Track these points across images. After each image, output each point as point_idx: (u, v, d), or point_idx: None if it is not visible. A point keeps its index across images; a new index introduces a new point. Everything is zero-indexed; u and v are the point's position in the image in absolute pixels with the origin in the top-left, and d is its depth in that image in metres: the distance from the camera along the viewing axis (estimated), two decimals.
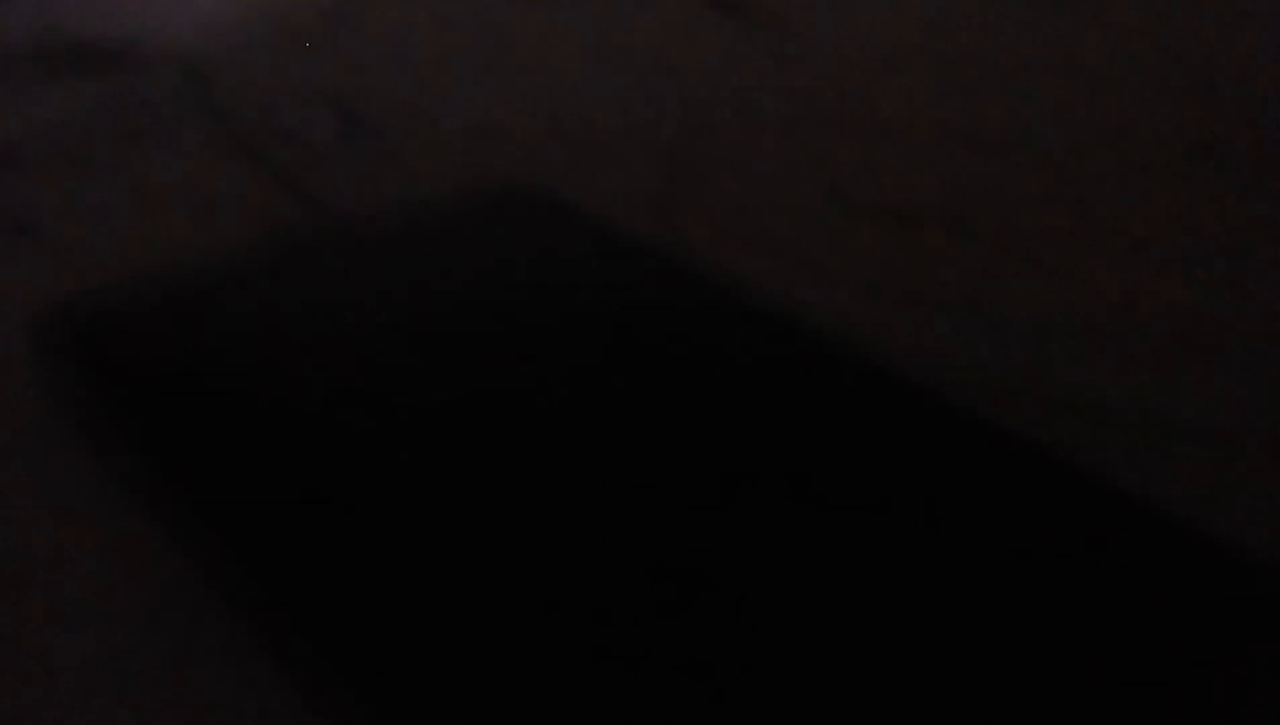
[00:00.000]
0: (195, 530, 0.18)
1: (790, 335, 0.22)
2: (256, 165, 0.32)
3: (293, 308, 0.23)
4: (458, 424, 0.20)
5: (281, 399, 0.20)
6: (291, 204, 0.30)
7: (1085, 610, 0.17)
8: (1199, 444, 0.22)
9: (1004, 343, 0.25)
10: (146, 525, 0.20)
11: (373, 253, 0.25)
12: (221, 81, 0.36)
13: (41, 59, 0.41)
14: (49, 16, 0.42)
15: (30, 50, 0.41)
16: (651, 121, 0.35)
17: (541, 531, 0.18)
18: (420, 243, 0.25)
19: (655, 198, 0.31)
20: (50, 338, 0.22)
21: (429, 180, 0.28)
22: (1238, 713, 0.15)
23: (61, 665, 0.17)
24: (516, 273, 0.24)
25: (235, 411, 0.20)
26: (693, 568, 0.17)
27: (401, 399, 0.20)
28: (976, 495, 0.19)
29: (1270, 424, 0.23)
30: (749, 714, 0.15)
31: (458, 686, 0.15)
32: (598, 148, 0.33)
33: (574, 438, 0.20)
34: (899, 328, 0.26)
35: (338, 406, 0.20)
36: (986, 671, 0.16)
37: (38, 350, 0.22)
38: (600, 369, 0.21)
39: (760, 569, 0.17)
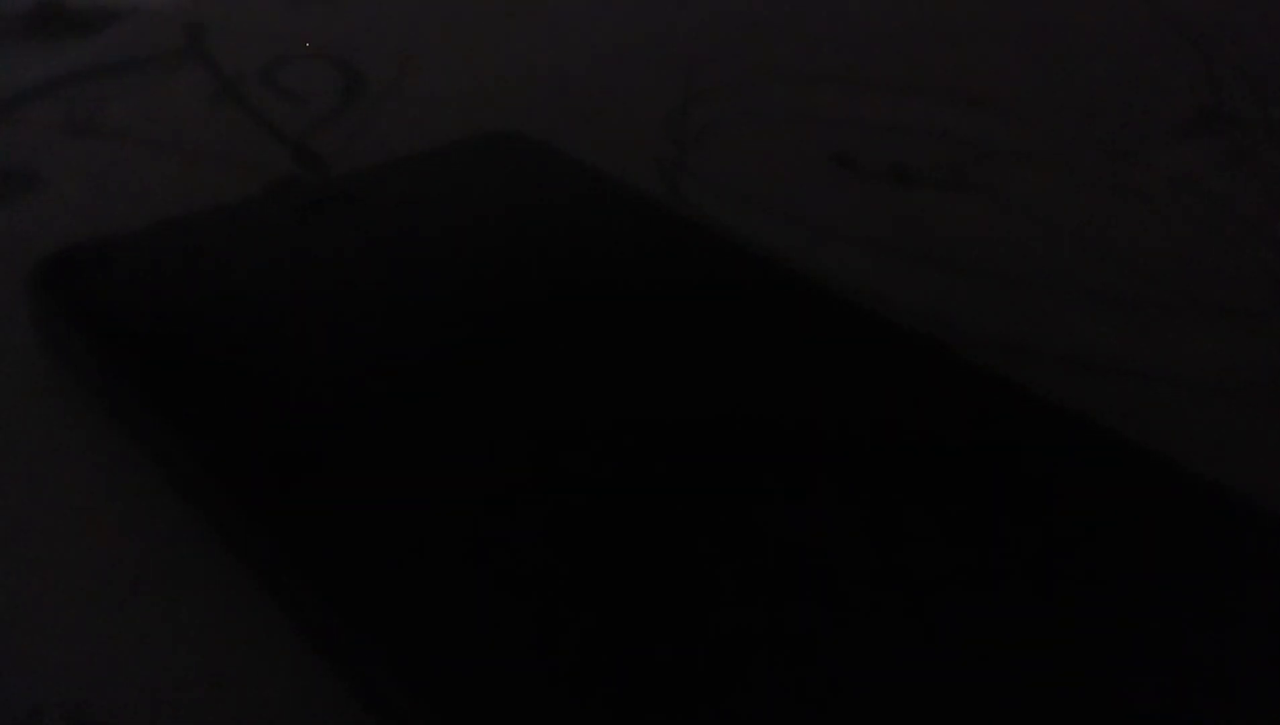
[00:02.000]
0: (196, 480, 0.18)
1: (790, 290, 0.22)
2: (256, 124, 0.31)
3: (291, 262, 0.23)
4: (455, 380, 0.20)
5: (281, 352, 0.20)
6: (291, 161, 0.30)
7: (1092, 556, 0.17)
8: (1206, 397, 0.22)
9: (1005, 299, 0.25)
10: (146, 477, 0.20)
11: (373, 207, 0.24)
12: (222, 42, 0.36)
13: (41, 22, 0.41)
14: None
15: (30, 14, 0.41)
16: (653, 81, 0.35)
17: (532, 478, 0.18)
18: (419, 197, 0.25)
19: (656, 156, 0.30)
20: (51, 288, 0.22)
21: (430, 138, 0.28)
22: (1238, 658, 0.15)
23: (58, 615, 0.17)
24: (518, 225, 0.24)
25: (234, 364, 0.20)
26: (685, 520, 0.17)
27: (398, 353, 0.20)
28: (982, 445, 0.19)
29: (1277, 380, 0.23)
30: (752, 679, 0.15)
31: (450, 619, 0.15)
32: (600, 107, 0.33)
33: (566, 386, 0.19)
34: (899, 284, 0.25)
35: (336, 359, 0.20)
36: (993, 629, 0.16)
37: (38, 301, 0.22)
38: (596, 317, 0.21)
39: (759, 526, 0.17)
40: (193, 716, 0.16)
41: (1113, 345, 0.24)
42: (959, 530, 0.17)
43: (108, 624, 0.17)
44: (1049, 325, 0.24)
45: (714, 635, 0.15)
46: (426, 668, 0.15)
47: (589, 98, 0.34)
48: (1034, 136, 0.32)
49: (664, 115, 0.33)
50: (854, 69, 0.36)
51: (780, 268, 0.23)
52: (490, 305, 0.21)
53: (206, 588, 0.18)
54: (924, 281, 0.26)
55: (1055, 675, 0.15)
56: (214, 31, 0.37)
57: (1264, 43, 0.39)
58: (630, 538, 0.17)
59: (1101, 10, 0.41)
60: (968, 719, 0.14)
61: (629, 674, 0.15)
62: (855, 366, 0.20)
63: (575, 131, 0.31)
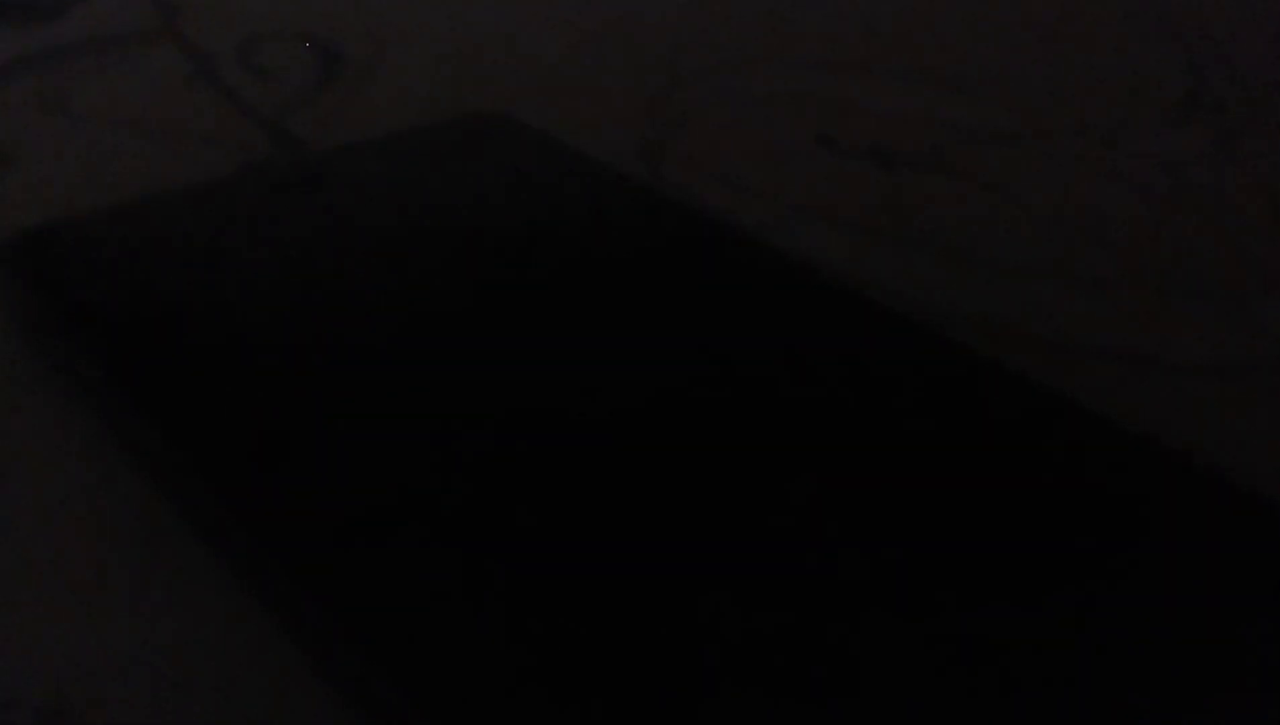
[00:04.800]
0: (166, 461, 0.18)
1: (772, 272, 0.22)
2: (233, 103, 0.31)
3: (266, 241, 0.22)
4: (434, 364, 0.19)
5: (255, 333, 0.20)
6: (268, 141, 0.29)
7: (1082, 539, 0.16)
8: (1190, 380, 0.22)
9: (988, 283, 0.25)
10: (117, 456, 0.19)
11: (349, 187, 0.24)
12: (196, 20, 0.36)
13: (7, 8, 0.40)
14: None
15: None
16: (636, 62, 0.34)
17: (514, 465, 0.17)
18: (396, 178, 0.25)
19: (637, 139, 0.30)
20: (20, 266, 0.21)
21: (408, 118, 0.28)
22: (1234, 643, 0.15)
23: (34, 601, 0.17)
24: (496, 207, 0.24)
25: (209, 346, 0.20)
26: (672, 511, 0.17)
27: (376, 335, 0.20)
28: (968, 430, 0.18)
29: (1265, 363, 0.23)
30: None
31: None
32: (581, 90, 0.33)
33: (548, 372, 0.19)
34: (882, 268, 0.25)
35: (312, 341, 0.20)
36: (983, 615, 0.16)
37: (7, 278, 0.21)
38: (577, 300, 0.21)
39: (743, 511, 0.17)
40: (168, 711, 0.16)
41: (1096, 329, 0.24)
42: (943, 515, 0.17)
43: (77, 613, 0.17)
44: (1032, 308, 0.24)
45: (709, 633, 0.15)
46: (407, 662, 0.15)
47: (572, 79, 0.33)
48: (1017, 120, 0.32)
49: (647, 97, 0.32)
50: (838, 51, 0.36)
51: (762, 250, 0.23)
52: (470, 288, 0.21)
53: (181, 576, 0.17)
54: (906, 264, 0.26)
55: (1050, 660, 0.15)
56: (187, 10, 0.36)
57: (1246, 29, 0.39)
58: (620, 530, 0.16)
59: None
60: (962, 706, 0.14)
61: (623, 673, 0.14)
62: (837, 348, 0.20)
63: (557, 113, 0.31)
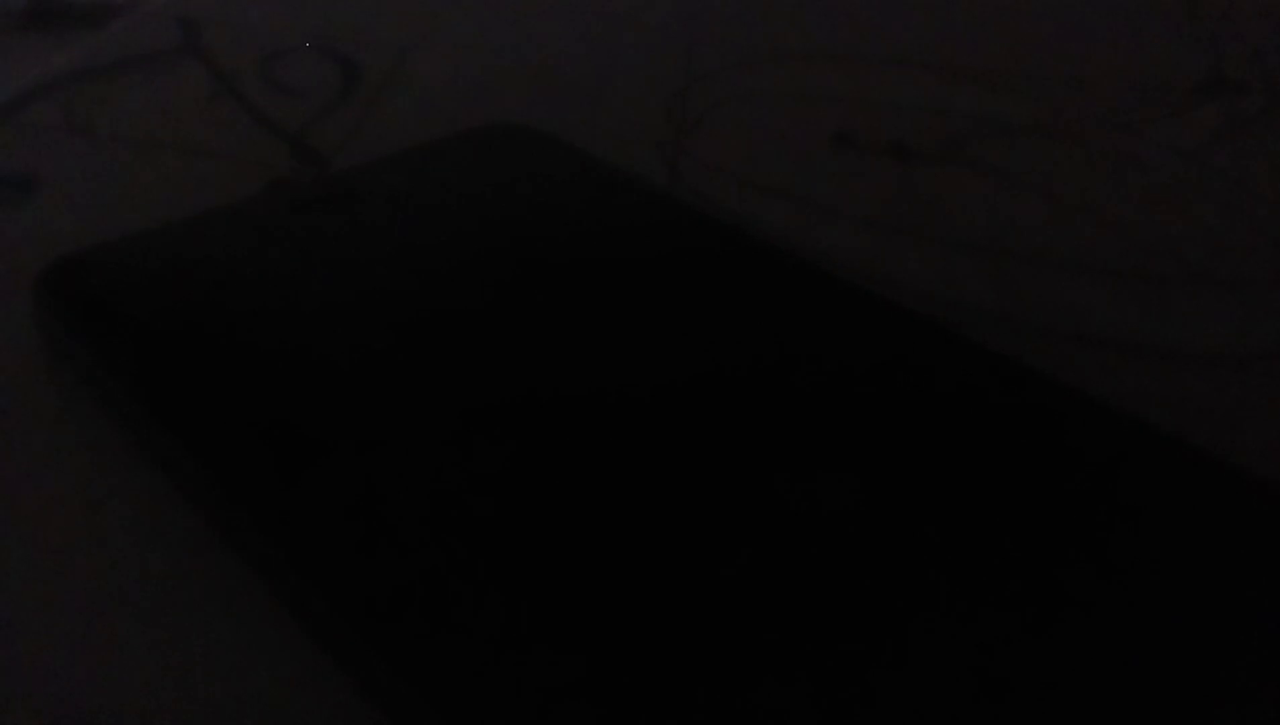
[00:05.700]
0: (199, 483, 0.18)
1: (794, 276, 0.22)
2: (255, 119, 0.31)
3: (294, 262, 0.23)
4: (460, 376, 0.20)
5: (286, 353, 0.20)
6: (290, 157, 0.30)
7: (1093, 528, 0.17)
8: (1211, 369, 0.22)
9: (1007, 273, 0.25)
10: (150, 480, 0.20)
11: (374, 203, 0.24)
12: (219, 36, 0.36)
13: (38, 18, 0.40)
14: None
15: (27, 10, 0.41)
16: (652, 65, 0.34)
17: (536, 472, 0.18)
18: (420, 192, 0.25)
19: (656, 140, 0.30)
20: (53, 292, 0.22)
21: (429, 129, 0.28)
22: (1245, 635, 0.15)
23: (63, 619, 0.18)
24: (520, 217, 0.24)
25: (239, 367, 0.20)
26: (686, 511, 0.17)
27: (404, 350, 0.20)
28: (985, 425, 0.19)
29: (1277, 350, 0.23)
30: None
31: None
32: (600, 94, 0.33)
33: (573, 380, 0.19)
34: (902, 261, 0.25)
35: (344, 358, 0.20)
36: (997, 608, 0.16)
37: (41, 305, 0.22)
38: (602, 309, 0.21)
39: (761, 515, 0.17)
40: (191, 718, 0.16)
41: (1117, 319, 0.24)
42: (960, 511, 0.17)
43: (108, 627, 0.17)
44: (1052, 299, 0.24)
45: (716, 633, 0.15)
46: (430, 662, 0.15)
47: (589, 85, 0.33)
48: (1035, 109, 0.32)
49: (664, 100, 0.33)
50: (852, 46, 0.36)
51: (783, 254, 0.23)
52: (496, 299, 0.21)
53: (211, 590, 0.18)
54: (927, 258, 0.26)
55: (1059, 652, 0.15)
56: (210, 27, 0.37)
57: (1265, 9, 0.39)
58: (634, 532, 0.17)
59: None
60: (971, 700, 0.14)
61: (629, 670, 0.15)
62: (858, 350, 0.20)
63: (576, 119, 0.31)
